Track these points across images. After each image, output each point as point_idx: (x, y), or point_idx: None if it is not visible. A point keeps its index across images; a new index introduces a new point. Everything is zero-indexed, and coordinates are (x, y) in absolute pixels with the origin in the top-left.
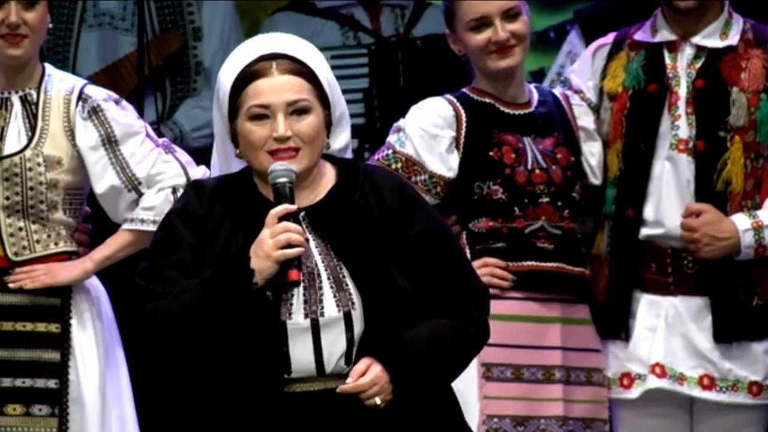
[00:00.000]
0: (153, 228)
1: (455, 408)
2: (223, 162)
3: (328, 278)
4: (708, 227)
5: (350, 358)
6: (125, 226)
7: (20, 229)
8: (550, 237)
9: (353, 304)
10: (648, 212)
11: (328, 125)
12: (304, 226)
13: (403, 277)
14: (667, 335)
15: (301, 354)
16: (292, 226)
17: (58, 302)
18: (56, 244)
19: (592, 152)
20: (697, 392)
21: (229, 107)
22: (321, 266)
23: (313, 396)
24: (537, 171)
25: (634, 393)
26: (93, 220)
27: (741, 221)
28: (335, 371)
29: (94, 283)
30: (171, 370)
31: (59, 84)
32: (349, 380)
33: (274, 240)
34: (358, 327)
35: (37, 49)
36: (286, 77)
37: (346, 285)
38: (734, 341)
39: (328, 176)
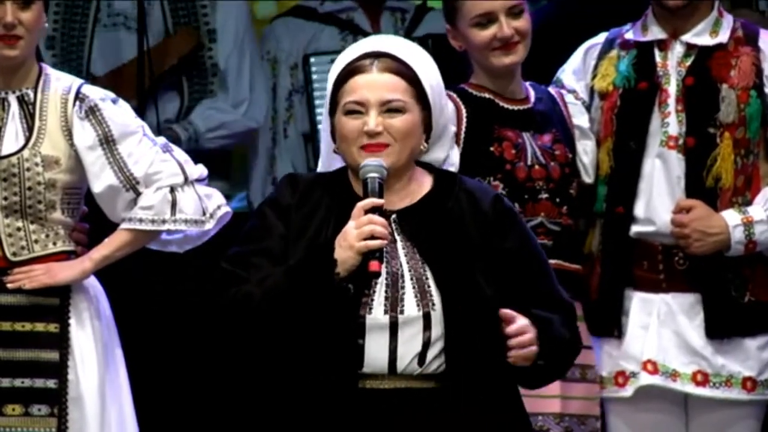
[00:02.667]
0: (151, 227)
1: (522, 412)
2: (327, 157)
3: (411, 279)
4: (698, 223)
5: (423, 360)
6: (123, 225)
7: (19, 229)
8: (549, 233)
9: (433, 305)
10: (639, 209)
11: (428, 129)
12: (393, 228)
13: (490, 286)
14: (660, 332)
15: (376, 350)
16: (376, 218)
17: (56, 302)
18: (55, 243)
19: (585, 150)
20: (691, 388)
21: (330, 102)
22: (405, 267)
23: (383, 394)
24: (536, 167)
25: (629, 391)
26: (91, 219)
27: (731, 217)
28: (407, 371)
29: (93, 282)
30: (247, 353)
31: (56, 84)
32: (503, 318)
33: (358, 231)
34: (436, 329)
35: (33, 49)
36: (384, 75)
37: (429, 287)
38: (726, 337)
39: (425, 184)
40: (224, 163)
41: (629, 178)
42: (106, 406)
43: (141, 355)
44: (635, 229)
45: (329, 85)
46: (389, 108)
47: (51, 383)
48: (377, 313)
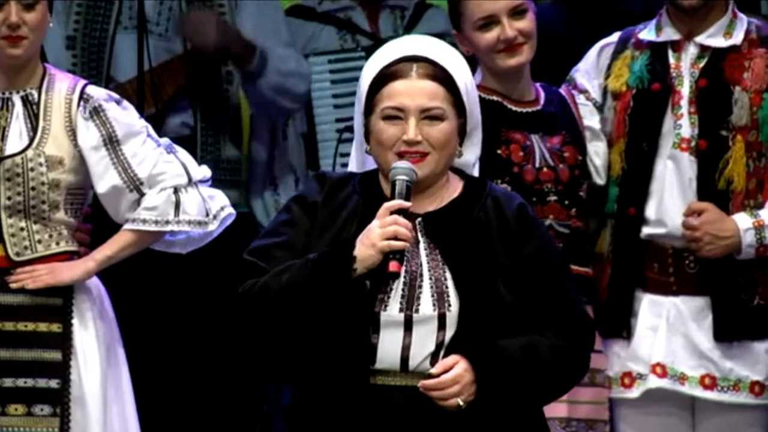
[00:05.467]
0: (155, 228)
1: (537, 412)
2: (359, 158)
3: (430, 279)
4: (709, 226)
5: (436, 360)
6: (127, 226)
7: (22, 229)
8: (559, 236)
9: (449, 306)
10: (650, 211)
11: (462, 134)
12: (417, 230)
13: (509, 293)
14: (669, 335)
15: (389, 347)
16: (401, 220)
17: (59, 302)
18: (58, 244)
19: (597, 152)
20: (699, 392)
21: (365, 104)
22: (425, 267)
23: (394, 390)
24: (545, 169)
25: (635, 392)
26: (94, 219)
27: (742, 220)
28: (419, 370)
29: (96, 283)
30: (260, 346)
31: (60, 84)
32: (434, 370)
33: (382, 230)
34: (450, 330)
35: (37, 49)
36: (424, 82)
37: (447, 288)
38: (735, 341)
39: (454, 189)
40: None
41: (641, 179)
42: (109, 406)
43: (143, 355)
44: (646, 230)
45: (364, 85)
46: (428, 116)
47: (53, 383)
48: (392, 310)
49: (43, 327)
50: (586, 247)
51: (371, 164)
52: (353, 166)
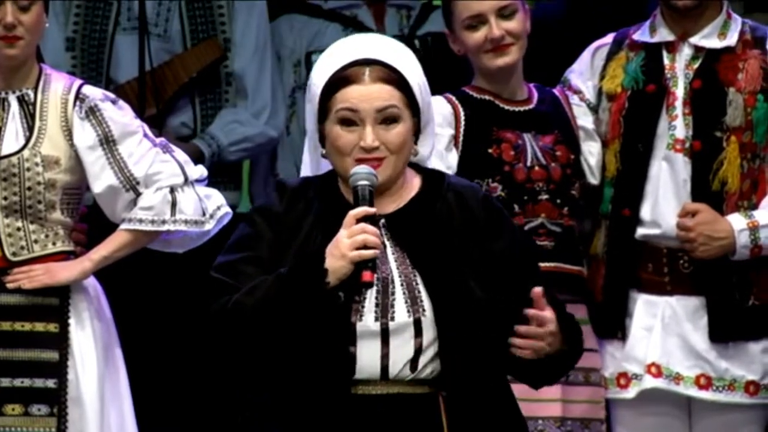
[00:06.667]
0: (151, 228)
1: (518, 416)
2: (314, 161)
3: (402, 284)
4: (704, 227)
5: (416, 366)
6: (123, 225)
7: (18, 229)
8: (550, 234)
9: (424, 311)
10: (645, 212)
11: (417, 132)
12: (383, 232)
13: (481, 288)
14: (664, 335)
15: (367, 357)
16: (369, 227)
17: (56, 302)
18: (54, 244)
19: (591, 152)
20: (694, 392)
21: (319, 108)
22: (395, 273)
23: (375, 400)
24: (536, 168)
25: (631, 393)
26: (90, 219)
27: (737, 221)
28: (399, 377)
29: (93, 282)
30: (238, 363)
31: (56, 84)
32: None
33: (350, 240)
34: (427, 335)
35: (33, 49)
36: (377, 86)
37: (419, 292)
38: (730, 341)
39: (413, 185)
40: (236, 174)
41: (636, 180)
42: (106, 406)
43: (141, 355)
44: (641, 231)
45: (316, 88)
46: (384, 117)
47: (51, 383)
48: (368, 320)
49: (40, 327)
50: (578, 246)
51: (325, 167)
52: (306, 170)
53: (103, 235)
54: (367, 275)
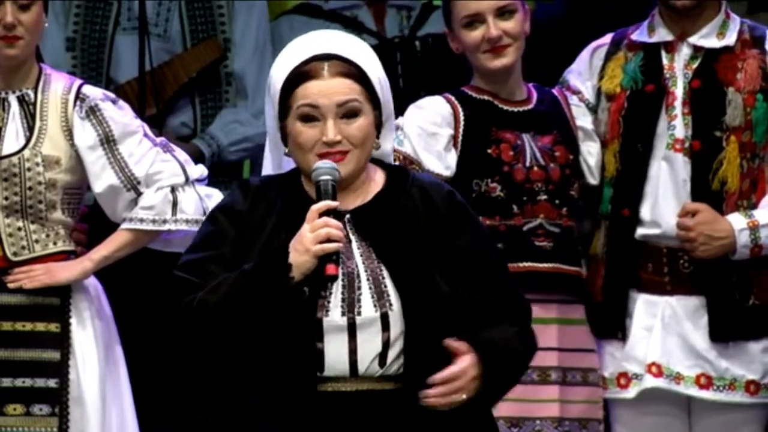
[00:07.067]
0: (152, 227)
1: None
2: (275, 159)
3: (368, 279)
4: (704, 227)
5: (384, 361)
6: (124, 225)
7: (19, 229)
8: (549, 235)
9: (391, 305)
10: (644, 212)
11: (378, 126)
12: (348, 228)
13: (446, 283)
14: (664, 335)
15: (335, 352)
16: (332, 221)
17: (57, 302)
18: (55, 243)
19: (590, 152)
20: (694, 391)
21: (279, 106)
22: (361, 267)
23: (345, 397)
24: (535, 168)
25: (631, 393)
26: (91, 219)
27: (737, 221)
28: (368, 373)
29: (93, 282)
30: (204, 361)
31: (56, 84)
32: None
33: (313, 234)
34: (395, 329)
35: (33, 49)
36: (337, 80)
37: (385, 286)
38: (731, 340)
39: (377, 181)
40: (236, 174)
41: (635, 180)
42: (107, 406)
43: (141, 354)
44: (641, 231)
45: (275, 86)
46: (345, 112)
47: (52, 383)
48: (334, 315)
49: (41, 327)
50: (576, 247)
51: (288, 165)
52: (268, 169)
53: (104, 235)
54: (331, 268)
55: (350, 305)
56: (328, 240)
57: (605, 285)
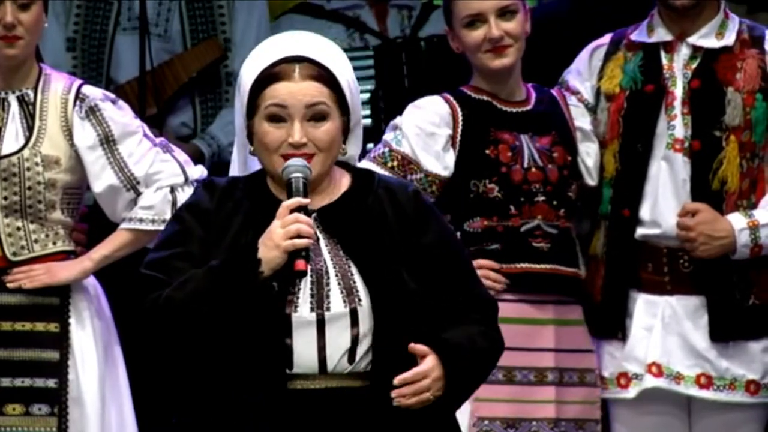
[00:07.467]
0: (152, 227)
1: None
2: (242, 158)
3: (336, 275)
4: (704, 226)
5: (353, 357)
6: (123, 225)
7: (18, 228)
8: (546, 236)
9: (360, 301)
10: (644, 212)
11: (346, 131)
12: (315, 226)
13: (413, 281)
14: (664, 334)
15: (304, 349)
16: (302, 217)
17: (56, 302)
18: (54, 243)
19: (588, 153)
20: (695, 391)
21: (247, 105)
22: (330, 264)
23: (314, 394)
24: (533, 169)
25: (632, 392)
26: (91, 219)
27: (737, 220)
28: (337, 370)
29: (93, 282)
30: (172, 360)
31: (56, 84)
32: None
33: (284, 230)
34: (364, 325)
35: (32, 49)
36: (307, 83)
37: (354, 282)
38: (731, 340)
39: (343, 183)
40: None
41: (635, 180)
42: (106, 405)
43: (141, 354)
44: (640, 231)
45: (245, 85)
46: (313, 114)
47: (51, 383)
48: (303, 311)
49: (40, 327)
50: (574, 248)
51: (254, 166)
52: (235, 169)
53: (103, 235)
54: (300, 264)
55: (319, 301)
56: (299, 236)
57: (605, 285)
